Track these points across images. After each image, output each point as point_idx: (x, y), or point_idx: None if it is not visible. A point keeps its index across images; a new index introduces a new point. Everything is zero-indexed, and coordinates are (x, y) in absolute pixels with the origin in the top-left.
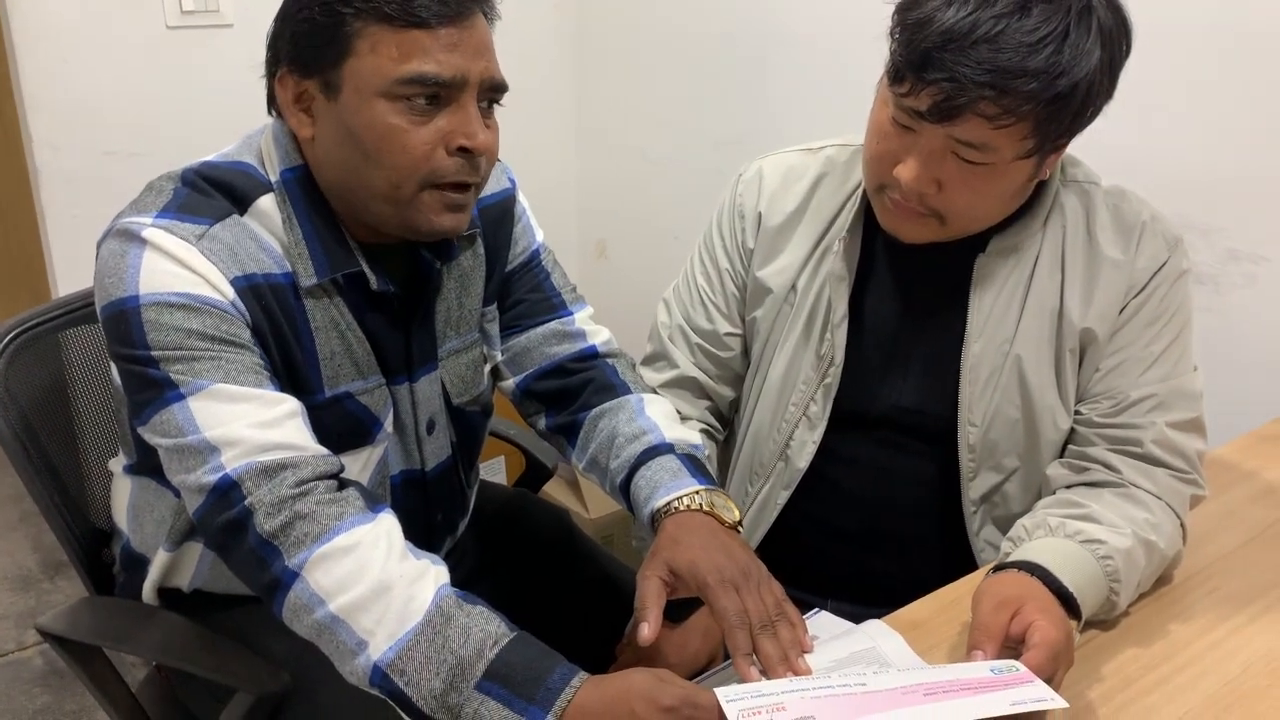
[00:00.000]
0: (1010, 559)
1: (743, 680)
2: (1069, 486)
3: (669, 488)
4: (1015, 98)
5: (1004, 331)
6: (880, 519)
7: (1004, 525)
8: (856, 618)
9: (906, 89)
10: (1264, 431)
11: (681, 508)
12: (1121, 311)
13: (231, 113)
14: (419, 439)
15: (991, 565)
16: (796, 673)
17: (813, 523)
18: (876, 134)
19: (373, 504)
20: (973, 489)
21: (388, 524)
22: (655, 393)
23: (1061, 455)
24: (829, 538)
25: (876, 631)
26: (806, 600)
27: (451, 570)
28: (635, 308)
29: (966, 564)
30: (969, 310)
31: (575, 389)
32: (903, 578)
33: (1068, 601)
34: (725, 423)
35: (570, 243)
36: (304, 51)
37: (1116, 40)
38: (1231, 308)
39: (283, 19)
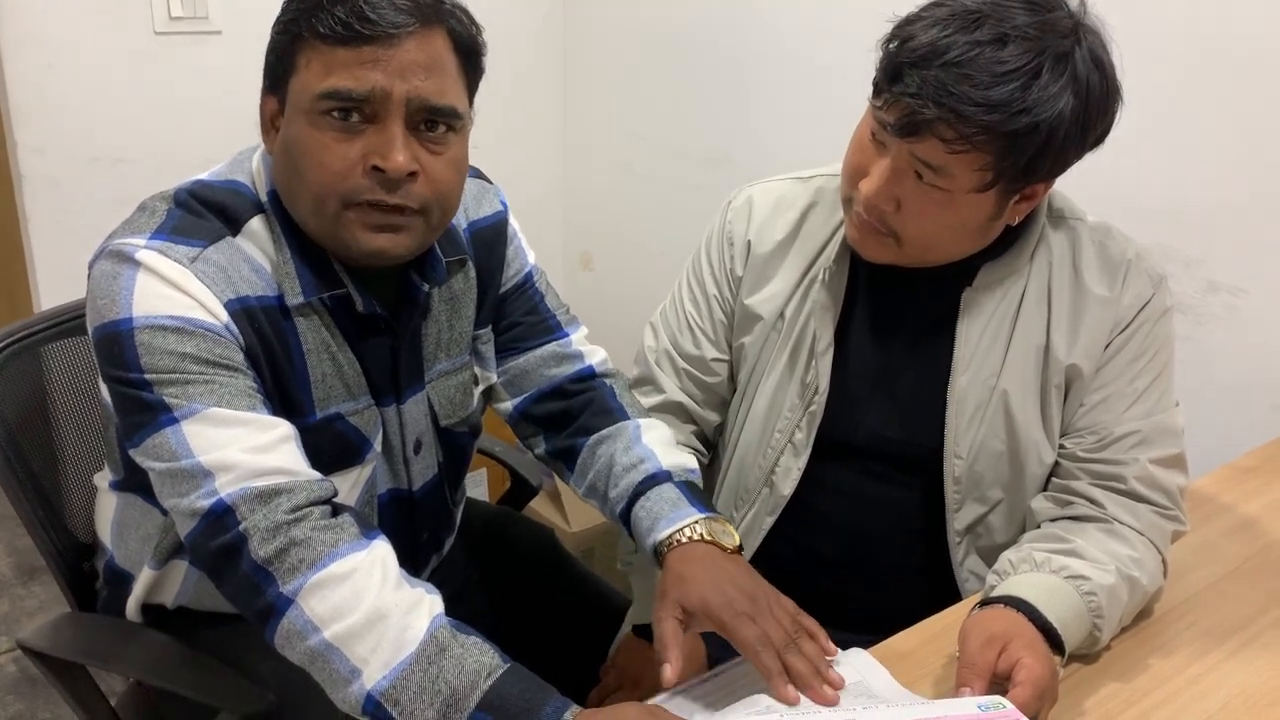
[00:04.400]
0: (996, 593)
1: (780, 699)
2: (1053, 520)
3: (669, 519)
4: (971, 125)
5: (990, 365)
6: (864, 547)
7: (988, 556)
8: (840, 644)
9: (881, 101)
10: (1242, 463)
11: (683, 540)
12: (1106, 348)
13: (219, 120)
14: (406, 459)
15: (977, 599)
16: (831, 684)
17: (797, 549)
18: (856, 146)
19: (367, 530)
20: (957, 520)
21: (382, 551)
22: (650, 415)
23: (1045, 488)
24: (813, 565)
25: (863, 665)
26: None
27: (438, 588)
28: (620, 319)
29: (950, 594)
30: (956, 343)
31: (574, 412)
32: (886, 606)
33: (1052, 637)
34: (710, 447)
35: (555, 254)
36: (271, 70)
37: (1095, 95)
38: (1211, 338)
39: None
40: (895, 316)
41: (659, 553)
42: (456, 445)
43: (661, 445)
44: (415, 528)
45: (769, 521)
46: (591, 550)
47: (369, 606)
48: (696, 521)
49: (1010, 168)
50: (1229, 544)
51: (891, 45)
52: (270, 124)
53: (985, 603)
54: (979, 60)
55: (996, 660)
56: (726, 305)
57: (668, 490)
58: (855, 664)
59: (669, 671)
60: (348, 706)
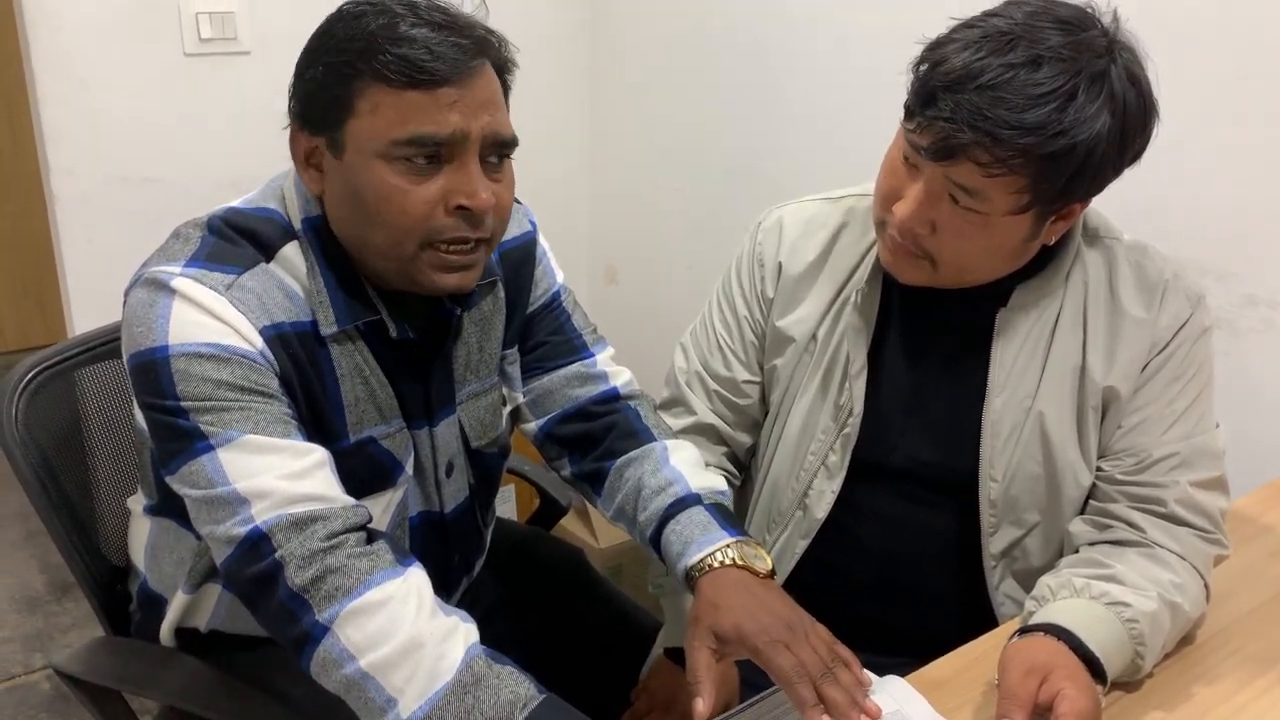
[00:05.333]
0: (1035, 620)
1: None
2: (1092, 544)
3: (700, 544)
4: (1007, 148)
5: (1025, 387)
6: (899, 571)
7: (1024, 579)
8: (874, 669)
9: (914, 125)
10: None
11: (715, 564)
12: (1144, 369)
13: (248, 140)
14: (438, 481)
15: (1014, 625)
16: (868, 714)
17: (830, 573)
18: (888, 169)
19: (402, 557)
20: (993, 544)
21: (417, 579)
22: (677, 436)
23: (1083, 511)
24: (847, 588)
25: (900, 693)
26: None
27: (469, 610)
28: (645, 333)
29: (985, 618)
30: (990, 365)
31: (598, 434)
32: (920, 630)
33: (1094, 666)
34: (742, 468)
35: (580, 268)
36: (311, 110)
37: (1133, 113)
38: (1249, 353)
39: (297, 76)
40: (929, 338)
41: (690, 577)
42: (487, 466)
43: (690, 466)
44: (447, 550)
45: (802, 545)
46: (620, 567)
47: (404, 635)
48: (728, 545)
49: (1048, 189)
50: (1271, 566)
51: (923, 68)
52: (306, 160)
53: (1024, 630)
54: (1014, 83)
55: (1038, 690)
56: (758, 327)
57: (698, 514)
58: (892, 692)
59: (701, 705)
60: None
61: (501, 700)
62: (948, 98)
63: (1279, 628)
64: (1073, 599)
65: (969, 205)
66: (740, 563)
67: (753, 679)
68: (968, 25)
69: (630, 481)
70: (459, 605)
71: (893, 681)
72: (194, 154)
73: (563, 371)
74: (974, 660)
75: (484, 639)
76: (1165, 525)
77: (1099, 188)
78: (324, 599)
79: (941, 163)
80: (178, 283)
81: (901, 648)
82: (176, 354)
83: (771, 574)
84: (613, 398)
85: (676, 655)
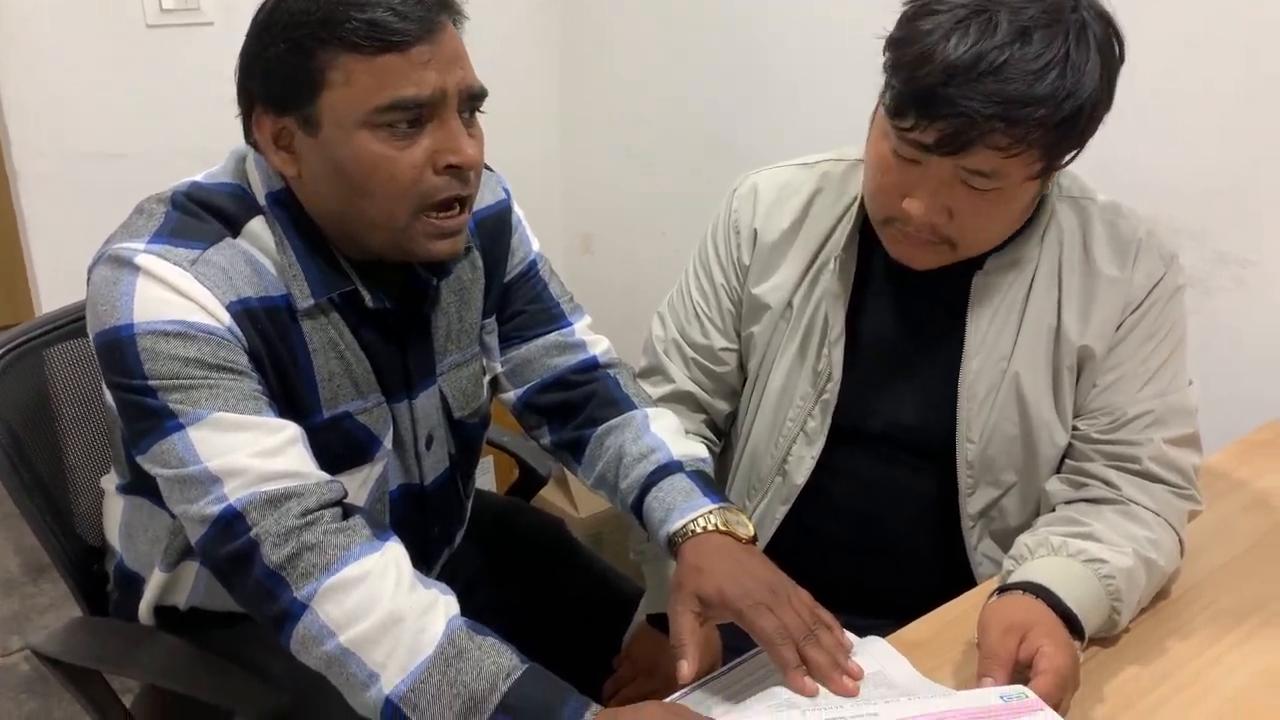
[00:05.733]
0: (1014, 579)
1: (797, 692)
2: (1069, 503)
3: (682, 510)
4: (1026, 126)
5: (1001, 348)
6: (878, 533)
7: (1002, 539)
8: (855, 630)
9: (910, 124)
10: (1254, 437)
11: (698, 530)
12: (1119, 328)
13: (214, 111)
14: (418, 454)
15: (993, 584)
16: (850, 674)
17: (810, 537)
18: (879, 167)
19: (379, 531)
20: (971, 504)
21: (395, 553)
22: (657, 404)
23: (1059, 470)
24: (826, 551)
25: (882, 654)
26: None
27: (449, 582)
28: (621, 303)
29: (964, 577)
30: (967, 327)
31: (578, 403)
32: (900, 591)
33: (1072, 622)
34: (721, 435)
35: (555, 237)
36: (276, 89)
37: (1110, 50)
38: (1220, 311)
39: (250, 57)
40: (906, 302)
41: (673, 544)
42: (468, 437)
43: (671, 434)
44: (427, 522)
45: (782, 510)
46: (600, 536)
47: (384, 610)
48: (710, 511)
49: (1063, 150)
50: (1243, 521)
51: (905, 69)
52: (274, 143)
53: (1003, 589)
54: (1013, 61)
55: (1017, 649)
56: (734, 294)
57: (680, 480)
58: (874, 653)
59: (685, 668)
60: (366, 710)
61: (484, 671)
62: (951, 93)
63: (1251, 581)
64: (1050, 557)
65: (985, 186)
66: (723, 528)
67: (734, 644)
68: (929, 11)
69: (611, 449)
70: (439, 577)
71: (874, 643)
72: (158, 128)
73: (541, 341)
74: (953, 620)
75: (465, 610)
76: (1140, 482)
77: (1096, 129)
78: (301, 576)
79: (953, 156)
80: (142, 259)
81: (881, 609)
82: (142, 332)
83: (753, 539)
84: (592, 366)
85: (658, 622)
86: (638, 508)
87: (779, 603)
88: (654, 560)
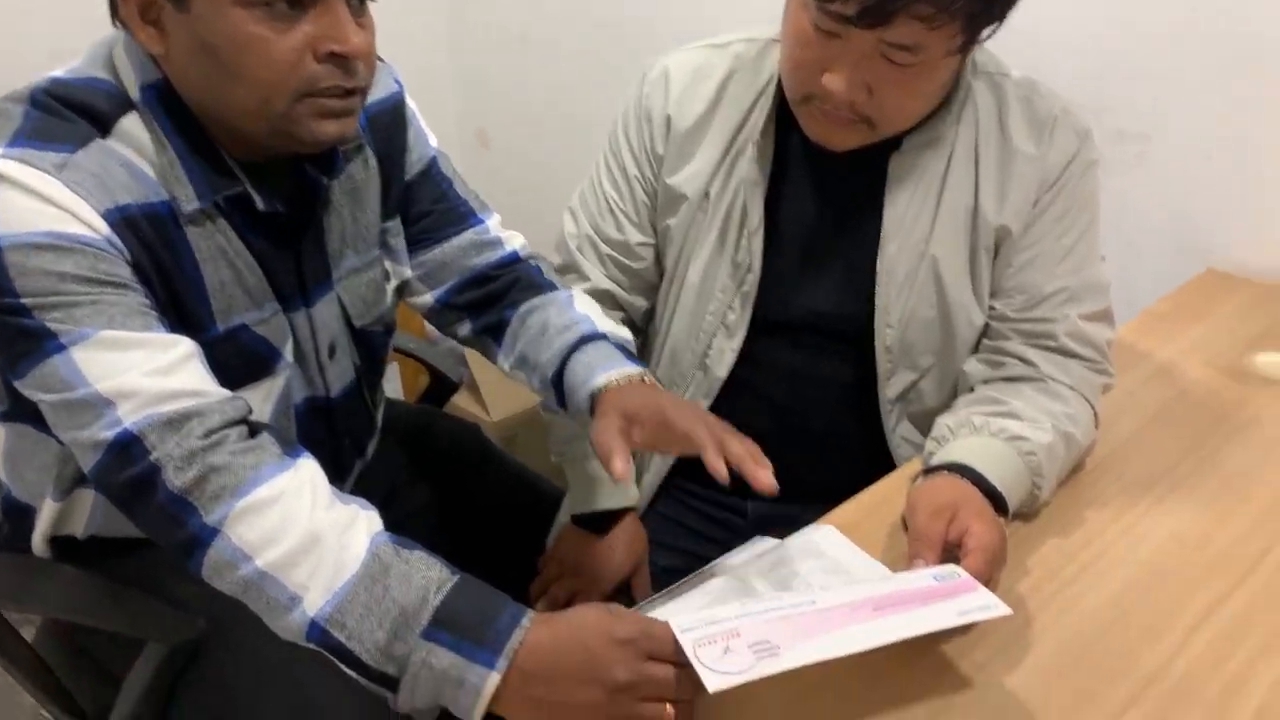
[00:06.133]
0: (938, 461)
1: (712, 470)
2: (987, 382)
3: (607, 368)
4: None
5: (919, 231)
6: (799, 421)
7: (919, 421)
8: (777, 517)
9: None
10: (1155, 310)
11: (620, 383)
12: (1035, 205)
13: (69, 2)
14: (320, 365)
15: (914, 467)
16: (761, 465)
17: (734, 428)
18: (797, 42)
19: (290, 449)
20: (889, 388)
21: (309, 470)
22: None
23: (976, 351)
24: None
25: (809, 530)
26: (724, 502)
27: (365, 495)
28: (524, 199)
29: (883, 459)
30: (884, 210)
31: (500, 292)
32: (823, 477)
33: (997, 500)
34: (639, 333)
35: (449, 133)
36: None
37: None
38: (1121, 188)
39: None
40: (824, 188)
41: (594, 400)
42: (372, 345)
43: (595, 312)
44: (336, 435)
45: (704, 404)
46: (515, 438)
47: (302, 530)
48: (638, 374)
49: (984, 22)
50: (1148, 391)
51: None
52: (141, 17)
53: (928, 471)
54: None
55: (946, 529)
56: (649, 185)
57: (604, 346)
58: (828, 543)
59: (618, 465)
60: (289, 634)
61: (414, 585)
62: None
63: (1158, 450)
64: (972, 437)
65: (905, 61)
66: (648, 381)
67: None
68: None
69: (534, 326)
70: (354, 491)
71: (827, 534)
72: (6, 22)
73: (455, 241)
74: (878, 503)
75: (384, 524)
76: (1056, 359)
77: (1016, 2)
78: (210, 500)
79: (875, 28)
80: (2, 166)
81: (805, 495)
82: (10, 246)
83: None
84: (512, 260)
85: (583, 522)
86: (558, 379)
87: (702, 414)
88: (575, 460)
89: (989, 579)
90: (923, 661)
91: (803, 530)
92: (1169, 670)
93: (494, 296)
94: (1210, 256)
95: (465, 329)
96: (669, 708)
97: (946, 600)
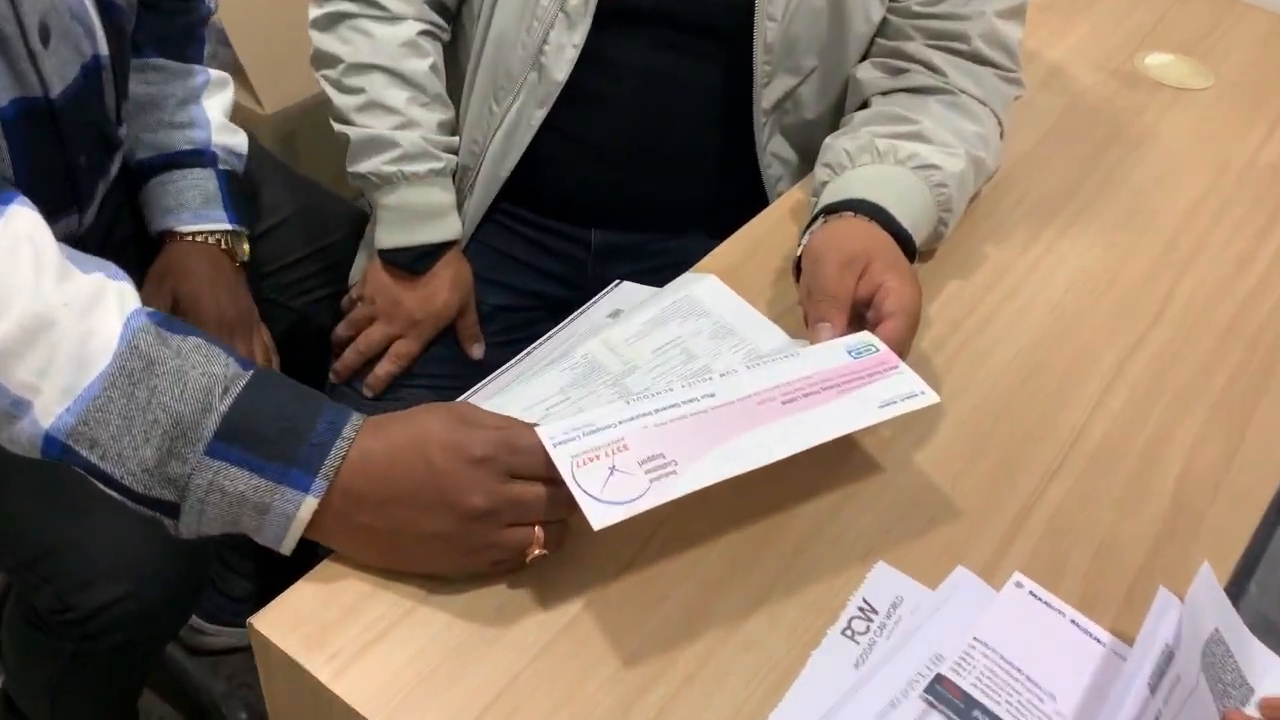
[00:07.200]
0: (841, 196)
1: None
2: (886, 94)
3: (197, 216)
4: None
5: None
6: (654, 136)
7: (794, 135)
8: (625, 248)
9: None
10: (1041, 1)
11: (199, 240)
12: None
13: None
14: (31, 52)
15: (818, 207)
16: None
17: (575, 144)
18: None
19: None
20: (766, 96)
21: (27, 223)
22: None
23: (868, 54)
24: (595, 160)
25: (687, 281)
26: (562, 230)
27: (111, 230)
28: None
29: (748, 180)
30: None
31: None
32: (676, 200)
33: (905, 245)
34: (452, 19)
35: None
36: None
37: None
38: None
39: None
40: None
41: (163, 240)
42: (113, 23)
43: (220, 112)
44: (65, 149)
45: (539, 115)
46: (293, 135)
47: (21, 310)
48: (228, 233)
49: None
50: (1042, 98)
51: None
52: None
53: (830, 210)
54: None
55: (856, 285)
56: None
57: (208, 182)
58: (675, 284)
59: None
60: (20, 448)
61: (190, 386)
62: None
63: (1057, 167)
64: (876, 165)
65: None
66: (224, 247)
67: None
68: None
69: (153, 96)
70: (98, 223)
71: (709, 286)
72: None
73: None
74: (758, 242)
75: (137, 267)
76: (967, 66)
77: None
78: None
79: None
80: None
81: (657, 223)
82: None
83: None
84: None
85: (395, 258)
86: (139, 179)
87: (242, 332)
88: (379, 188)
89: (906, 350)
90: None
91: (678, 281)
92: (1086, 435)
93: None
94: None
95: None
96: (537, 531)
97: (865, 385)
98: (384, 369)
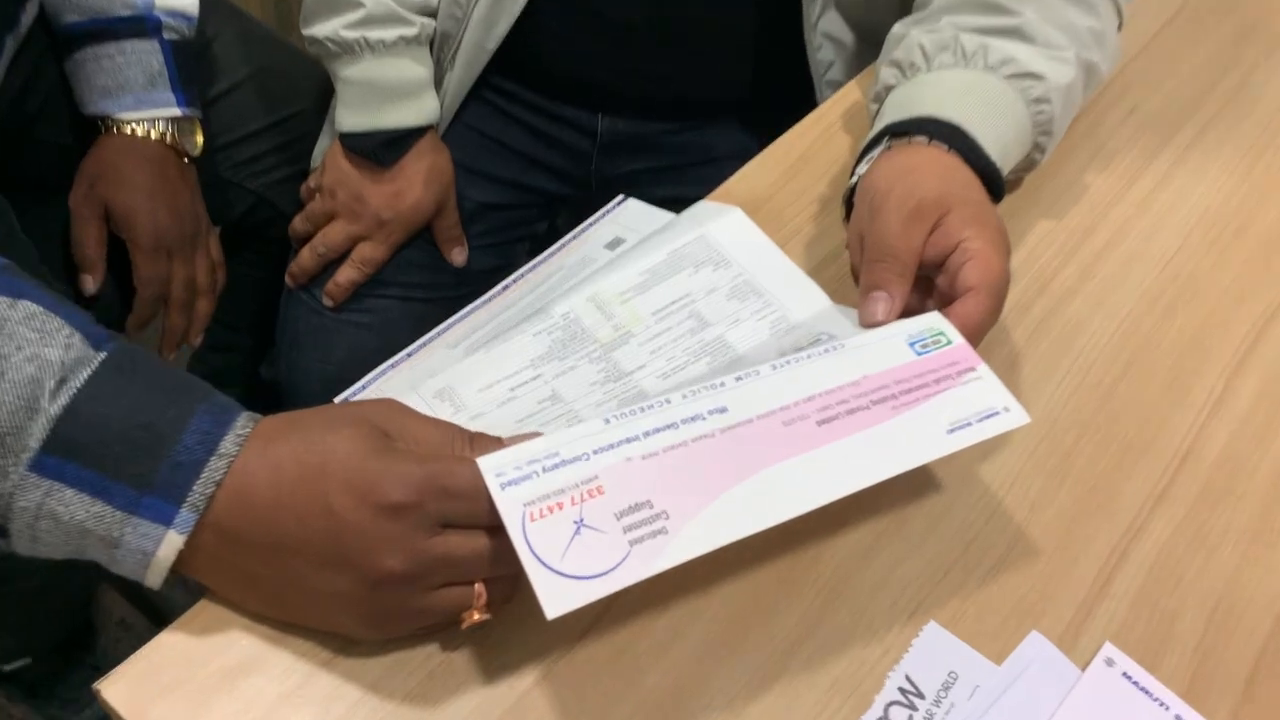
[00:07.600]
0: (906, 113)
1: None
2: None
3: (140, 99)
4: None
5: None
6: (680, 6)
7: (852, 10)
8: (640, 140)
9: None
10: None
11: (141, 134)
12: None
13: None
14: None
15: (884, 124)
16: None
17: (577, 8)
18: None
19: None
20: None
21: None
22: None
23: None
24: (600, 32)
25: (704, 215)
26: (565, 115)
27: (15, 106)
28: None
29: (792, 63)
30: None
31: None
32: (706, 86)
33: (991, 182)
34: None
35: None
36: None
37: None
38: None
39: None
40: None
41: (105, 125)
42: None
43: None
44: None
45: None
46: None
47: None
48: (172, 120)
49: None
50: None
51: None
52: None
53: (896, 131)
54: None
55: (924, 243)
56: None
57: (152, 55)
58: (694, 213)
59: (90, 285)
60: None
61: (10, 378)
62: None
63: (1178, 68)
64: (959, 69)
65: None
66: (170, 142)
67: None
68: None
69: None
70: (6, 83)
71: (733, 221)
72: None
73: None
74: (798, 162)
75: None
76: None
77: None
78: None
79: None
80: None
81: (680, 110)
82: None
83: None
84: None
85: (359, 145)
86: (67, 47)
87: (183, 255)
88: (341, 57)
89: (983, 334)
90: None
91: (693, 211)
92: (1203, 445)
93: None
94: None
95: None
96: (478, 588)
97: (930, 397)
98: (345, 276)
